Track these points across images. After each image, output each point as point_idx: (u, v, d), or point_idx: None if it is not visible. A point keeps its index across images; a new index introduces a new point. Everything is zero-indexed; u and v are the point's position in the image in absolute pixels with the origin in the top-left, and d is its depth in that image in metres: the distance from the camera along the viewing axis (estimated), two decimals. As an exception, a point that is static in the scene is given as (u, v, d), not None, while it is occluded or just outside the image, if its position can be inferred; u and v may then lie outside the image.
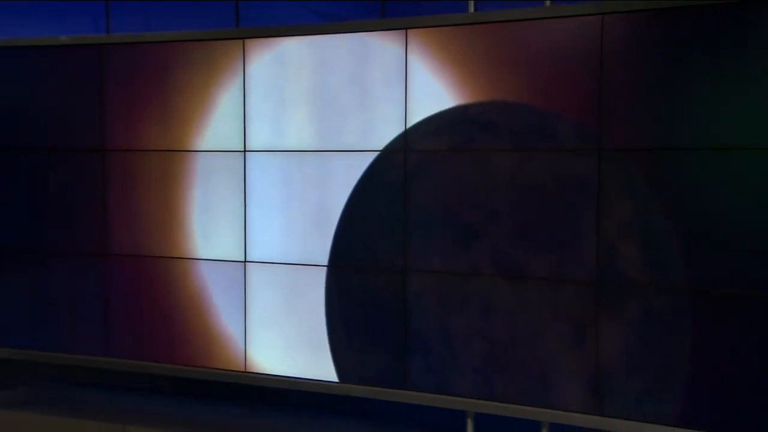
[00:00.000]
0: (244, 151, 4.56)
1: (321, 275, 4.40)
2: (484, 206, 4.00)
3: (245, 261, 4.60)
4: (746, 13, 3.44)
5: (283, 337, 4.53)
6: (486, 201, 3.99)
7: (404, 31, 4.14)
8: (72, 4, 5.46)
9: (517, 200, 3.91)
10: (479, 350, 4.06)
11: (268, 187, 4.52)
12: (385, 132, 4.21)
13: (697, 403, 3.62)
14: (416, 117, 4.13)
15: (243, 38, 4.53)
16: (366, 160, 4.26)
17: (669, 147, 3.60)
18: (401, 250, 4.20)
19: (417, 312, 4.19)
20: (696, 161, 3.57)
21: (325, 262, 4.38)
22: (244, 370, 4.62)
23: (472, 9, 4.19)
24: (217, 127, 4.62)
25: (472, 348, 4.07)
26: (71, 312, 5.03)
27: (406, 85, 4.14)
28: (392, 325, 4.26)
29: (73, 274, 5.00)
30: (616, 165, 3.69)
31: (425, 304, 4.17)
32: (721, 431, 3.57)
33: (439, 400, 4.17)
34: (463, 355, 4.08)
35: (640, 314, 3.70)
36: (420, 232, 4.15)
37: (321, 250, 4.39)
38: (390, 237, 4.22)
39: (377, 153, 4.22)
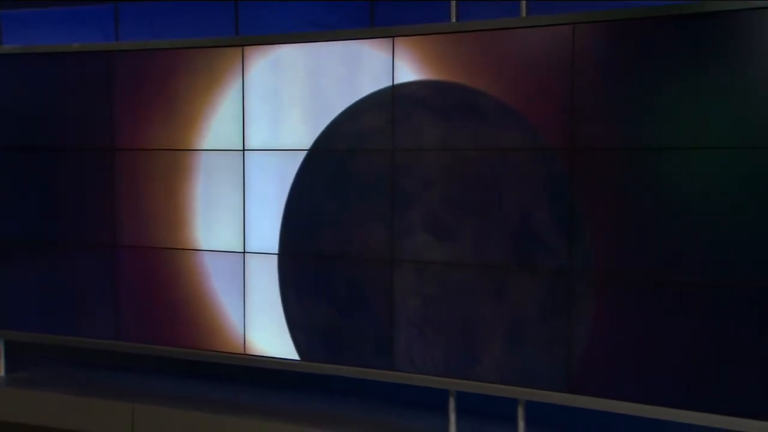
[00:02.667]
0: (243, 150, 4.63)
1: (313, 265, 4.49)
2: (466, 201, 4.12)
3: (244, 252, 4.67)
4: (703, 24, 3.58)
5: (279, 321, 4.61)
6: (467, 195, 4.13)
7: (391, 39, 4.23)
8: (83, 14, 5.43)
9: (499, 196, 4.05)
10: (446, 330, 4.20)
11: (265, 183, 4.60)
12: (374, 132, 4.28)
13: (662, 380, 3.75)
14: (401, 118, 4.23)
15: (242, 45, 4.59)
16: (355, 159, 4.34)
17: (631, 146, 3.74)
18: (390, 241, 4.30)
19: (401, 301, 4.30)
20: (650, 160, 3.71)
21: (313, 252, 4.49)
22: (243, 352, 4.69)
23: (454, 18, 4.25)
24: (218, 127, 4.68)
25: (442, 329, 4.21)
26: (83, 299, 5.09)
27: (393, 88, 4.22)
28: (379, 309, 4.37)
29: (85, 264, 5.06)
30: (589, 163, 3.83)
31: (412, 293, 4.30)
32: (682, 406, 3.71)
33: (421, 380, 4.26)
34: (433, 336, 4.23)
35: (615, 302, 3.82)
36: (408, 224, 4.26)
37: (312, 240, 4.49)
38: (378, 229, 4.34)
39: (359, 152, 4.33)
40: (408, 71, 4.20)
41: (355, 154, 4.38)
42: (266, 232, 4.62)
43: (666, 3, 3.71)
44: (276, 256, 4.60)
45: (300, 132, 4.49)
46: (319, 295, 4.51)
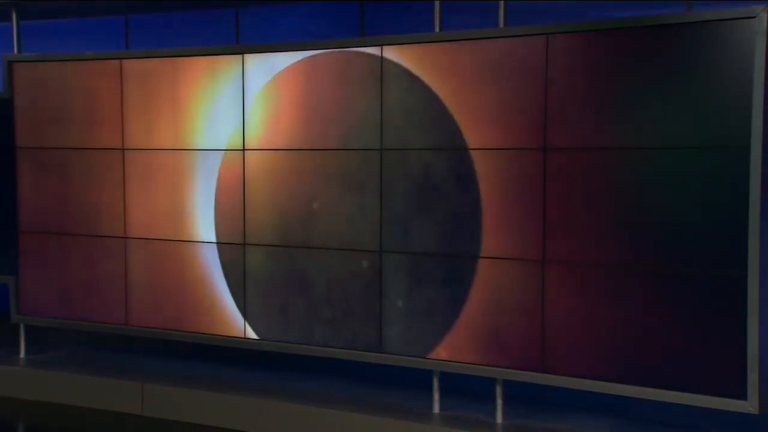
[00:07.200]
0: (243, 150, 4.76)
1: (308, 255, 4.60)
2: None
3: (244, 243, 4.80)
4: (667, 35, 3.71)
5: (277, 308, 4.74)
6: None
7: (380, 47, 4.35)
8: (96, 25, 5.59)
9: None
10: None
11: (263, 180, 4.72)
12: (364, 134, 4.42)
13: (632, 361, 3.86)
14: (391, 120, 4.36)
15: (242, 53, 4.72)
16: (347, 158, 4.48)
17: (599, 147, 3.89)
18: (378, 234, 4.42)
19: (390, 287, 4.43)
20: (615, 159, 3.85)
21: (308, 244, 4.60)
22: (243, 336, 4.82)
23: (437, 29, 4.36)
24: (220, 128, 4.81)
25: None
26: (97, 287, 5.22)
27: (382, 93, 4.35)
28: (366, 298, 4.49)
29: (98, 255, 5.19)
30: (560, 161, 3.96)
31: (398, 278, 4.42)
32: (654, 385, 3.81)
33: (407, 361, 4.38)
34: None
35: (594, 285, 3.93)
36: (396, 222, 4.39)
37: (308, 233, 4.62)
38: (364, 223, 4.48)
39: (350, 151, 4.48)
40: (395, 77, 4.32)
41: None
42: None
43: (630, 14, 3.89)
44: (275, 247, 4.72)
45: (295, 133, 4.61)
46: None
